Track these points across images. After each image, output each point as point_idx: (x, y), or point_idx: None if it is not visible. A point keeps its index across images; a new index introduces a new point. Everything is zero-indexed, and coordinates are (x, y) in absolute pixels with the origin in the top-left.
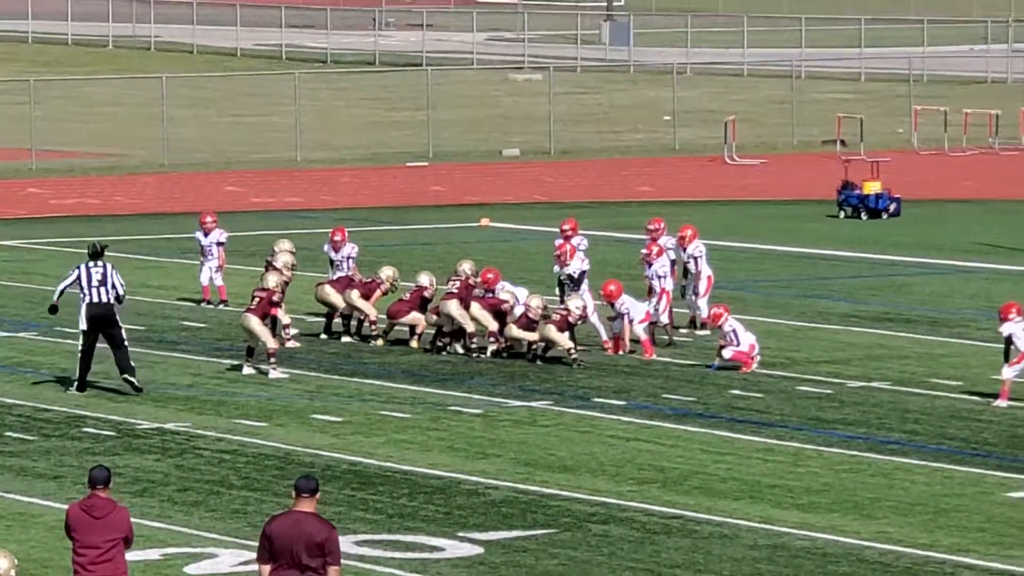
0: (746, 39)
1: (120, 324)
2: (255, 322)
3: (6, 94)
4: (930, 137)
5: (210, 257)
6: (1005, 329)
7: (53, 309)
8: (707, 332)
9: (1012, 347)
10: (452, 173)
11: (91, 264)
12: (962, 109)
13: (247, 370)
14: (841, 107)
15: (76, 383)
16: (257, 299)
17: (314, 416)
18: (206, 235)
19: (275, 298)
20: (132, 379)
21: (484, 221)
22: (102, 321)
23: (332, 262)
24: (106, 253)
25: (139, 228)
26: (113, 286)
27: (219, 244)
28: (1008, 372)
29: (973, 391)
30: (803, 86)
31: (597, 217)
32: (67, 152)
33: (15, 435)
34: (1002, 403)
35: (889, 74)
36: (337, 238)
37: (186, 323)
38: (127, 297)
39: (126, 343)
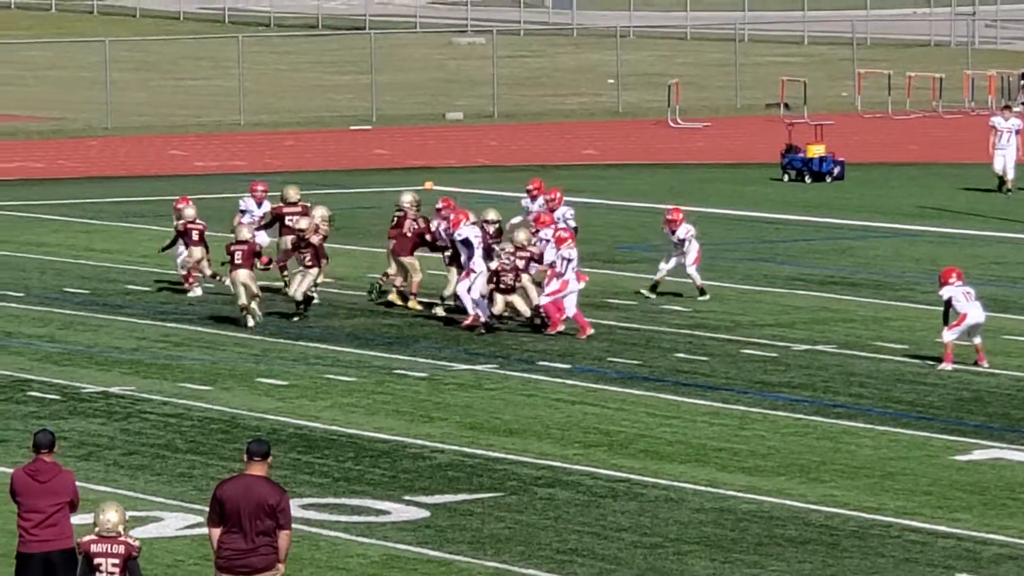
0: (689, 2)
1: None
2: (246, 275)
3: None
4: (874, 100)
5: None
6: (945, 292)
7: None
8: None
9: (952, 310)
10: (395, 137)
11: None
12: (906, 72)
13: (252, 323)
14: (784, 70)
15: None
16: (239, 252)
17: (259, 380)
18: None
19: (257, 247)
20: None
21: (428, 184)
22: None
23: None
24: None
25: (83, 192)
26: None
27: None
28: (948, 335)
29: (919, 355)
30: (746, 49)
31: (541, 181)
32: (9, 116)
33: None
34: (947, 367)
35: (832, 37)
36: (259, 189)
37: (131, 287)
38: (72, 261)
39: None
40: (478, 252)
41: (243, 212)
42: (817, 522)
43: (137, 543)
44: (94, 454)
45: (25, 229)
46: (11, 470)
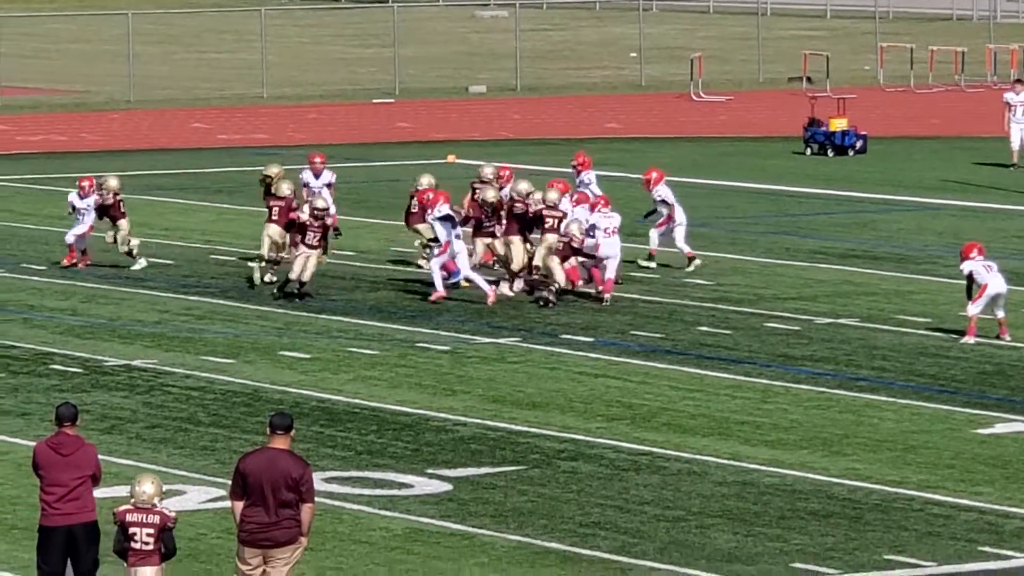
0: None
1: None
2: (277, 232)
3: None
4: (896, 74)
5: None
6: (966, 267)
7: None
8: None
9: (974, 284)
10: (418, 110)
11: None
12: (928, 46)
13: (258, 277)
14: (807, 44)
15: None
16: (277, 208)
17: (282, 353)
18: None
19: (293, 204)
20: None
21: (451, 158)
22: None
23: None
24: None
25: (105, 165)
26: None
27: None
28: (973, 308)
29: (941, 328)
30: (769, 23)
31: (563, 154)
32: (32, 88)
33: None
34: (970, 340)
35: (855, 11)
36: (317, 160)
37: (153, 259)
38: (93, 234)
39: None
40: (454, 232)
41: (306, 185)
42: (840, 495)
43: (173, 514)
44: (117, 427)
45: (48, 202)
46: (34, 443)
